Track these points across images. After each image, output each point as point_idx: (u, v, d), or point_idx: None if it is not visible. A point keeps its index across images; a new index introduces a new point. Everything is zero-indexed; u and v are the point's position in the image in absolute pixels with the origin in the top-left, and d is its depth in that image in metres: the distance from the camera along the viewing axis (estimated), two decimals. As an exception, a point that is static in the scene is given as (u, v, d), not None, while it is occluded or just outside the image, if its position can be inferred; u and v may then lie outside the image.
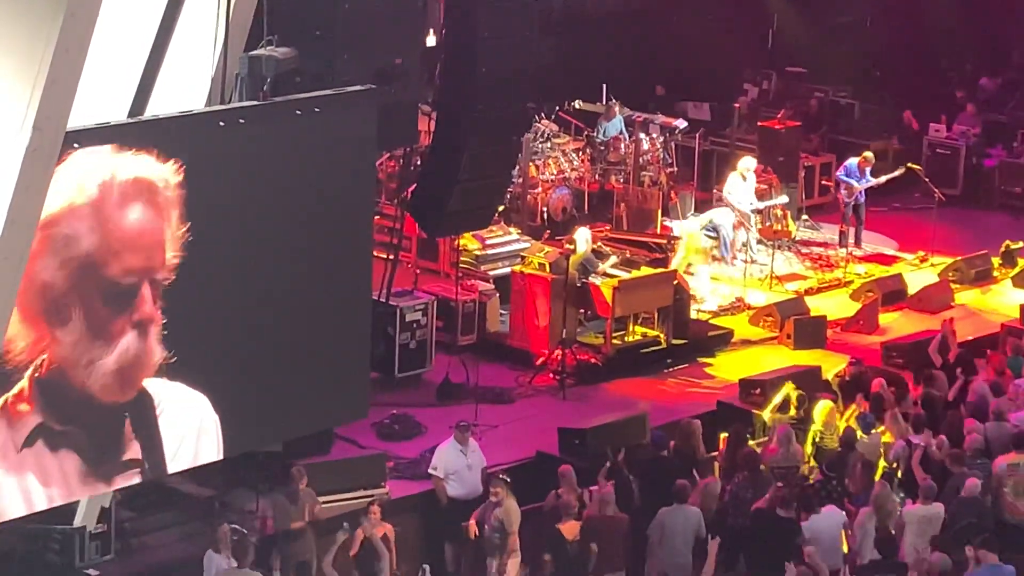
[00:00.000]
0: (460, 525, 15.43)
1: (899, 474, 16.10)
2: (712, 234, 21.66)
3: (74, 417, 11.75)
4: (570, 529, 14.95)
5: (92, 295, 11.56)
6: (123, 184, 11.53)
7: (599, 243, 20.63)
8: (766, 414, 17.23)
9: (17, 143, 10.68)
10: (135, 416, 12.06)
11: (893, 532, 14.99)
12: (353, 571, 14.89)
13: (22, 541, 14.48)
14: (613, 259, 20.16)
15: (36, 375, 11.48)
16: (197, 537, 15.07)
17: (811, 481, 16.01)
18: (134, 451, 12.10)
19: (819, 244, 23.38)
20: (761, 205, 22.52)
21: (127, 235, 11.63)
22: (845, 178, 23.00)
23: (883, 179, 23.22)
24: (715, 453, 16.64)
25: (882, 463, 16.33)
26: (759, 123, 25.01)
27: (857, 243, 23.26)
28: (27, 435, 11.55)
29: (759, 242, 22.45)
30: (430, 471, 15.93)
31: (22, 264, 10.96)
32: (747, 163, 22.50)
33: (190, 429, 12.36)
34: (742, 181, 22.33)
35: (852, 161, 23.14)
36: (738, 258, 22.02)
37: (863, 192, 23.08)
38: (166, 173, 11.75)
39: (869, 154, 23.22)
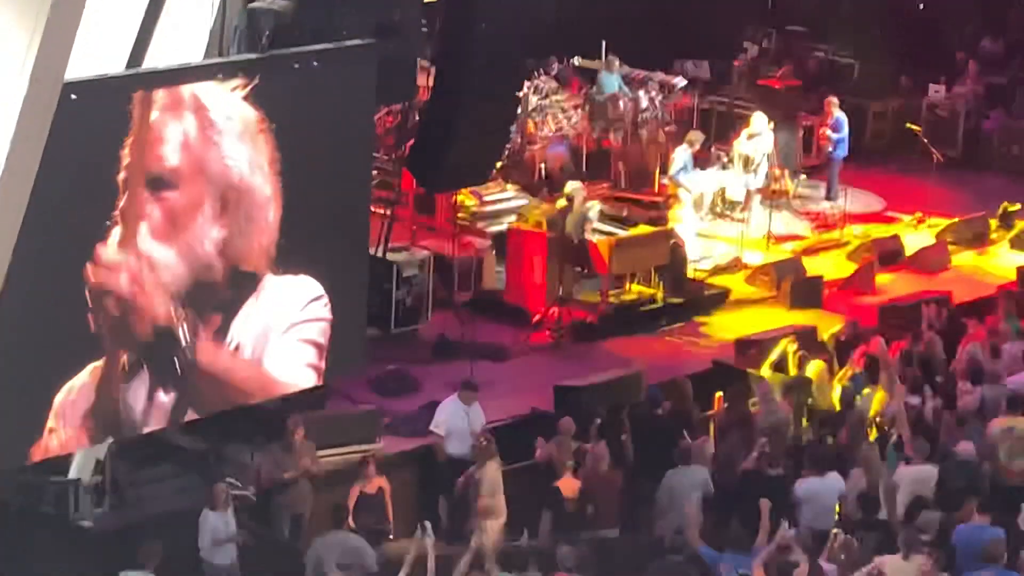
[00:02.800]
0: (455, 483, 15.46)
1: (893, 435, 16.11)
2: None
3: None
4: (567, 486, 14.97)
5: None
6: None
7: (595, 200, 20.60)
8: (763, 372, 17.23)
9: (15, 94, 10.65)
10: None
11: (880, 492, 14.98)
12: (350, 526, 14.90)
13: (17, 493, 14.51)
14: (598, 207, 20.09)
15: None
16: (192, 490, 15.09)
17: (804, 441, 16.02)
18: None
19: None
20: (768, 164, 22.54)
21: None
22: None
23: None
24: (710, 412, 16.64)
25: (875, 424, 16.36)
26: (758, 82, 24.95)
27: (828, 196, 23.08)
28: None
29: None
30: (432, 428, 15.92)
31: (20, 214, 10.95)
32: (759, 119, 22.41)
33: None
34: (755, 138, 22.23)
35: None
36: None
37: (837, 148, 22.84)
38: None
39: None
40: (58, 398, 11.78)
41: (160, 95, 11.73)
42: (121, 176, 11.64)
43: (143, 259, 11.88)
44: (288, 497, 15.06)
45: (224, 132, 12.17)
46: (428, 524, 13.32)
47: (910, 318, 19.05)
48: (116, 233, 11.72)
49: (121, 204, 11.66)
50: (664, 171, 22.46)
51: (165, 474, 15.53)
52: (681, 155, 21.80)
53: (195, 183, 12.05)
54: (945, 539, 13.75)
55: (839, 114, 23.28)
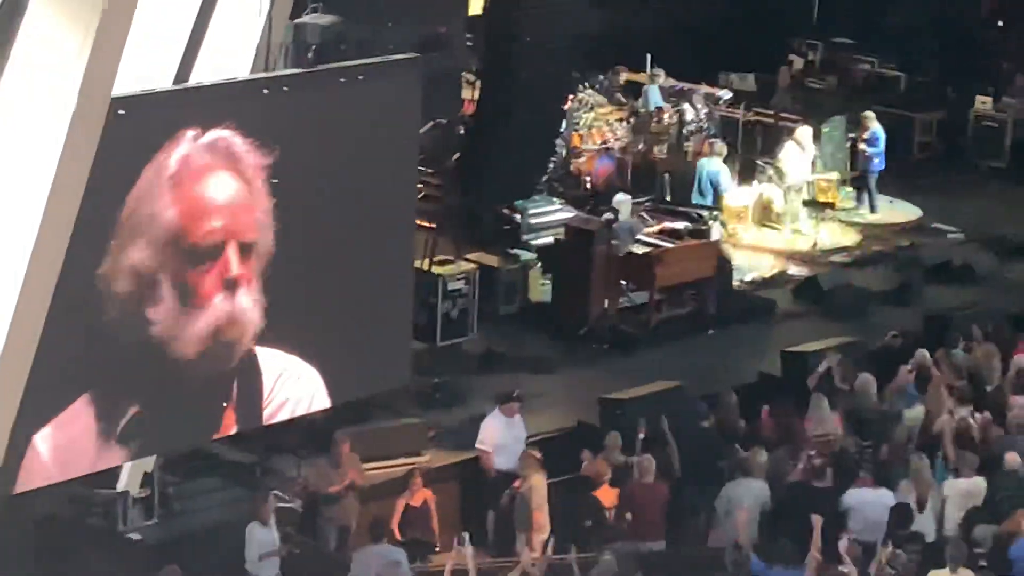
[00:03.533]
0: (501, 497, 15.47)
1: (941, 447, 16.04)
2: None
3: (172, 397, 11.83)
4: (606, 495, 14.96)
5: (179, 263, 11.66)
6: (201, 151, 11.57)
7: (641, 212, 20.61)
8: (809, 384, 17.17)
9: (64, 109, 10.73)
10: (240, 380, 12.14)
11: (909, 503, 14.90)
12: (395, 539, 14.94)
13: (65, 505, 14.59)
14: (649, 225, 20.14)
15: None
16: (239, 503, 15.14)
17: (850, 452, 15.96)
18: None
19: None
20: (813, 177, 22.50)
21: (208, 201, 11.71)
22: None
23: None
24: (756, 425, 16.59)
25: (922, 435, 16.28)
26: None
27: (872, 209, 23.10)
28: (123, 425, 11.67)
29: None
30: (478, 446, 15.93)
31: (68, 230, 11.02)
32: (804, 132, 22.42)
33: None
34: (800, 151, 22.26)
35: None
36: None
37: (873, 160, 22.87)
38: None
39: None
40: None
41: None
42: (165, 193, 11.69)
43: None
44: (334, 510, 15.09)
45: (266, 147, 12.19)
46: (466, 535, 13.33)
47: (959, 330, 18.97)
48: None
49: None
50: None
51: (212, 487, 15.59)
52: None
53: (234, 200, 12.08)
54: (1002, 553, 13.67)
55: (876, 127, 23.21)
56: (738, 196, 22.27)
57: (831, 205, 22.90)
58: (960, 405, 16.47)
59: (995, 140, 25.23)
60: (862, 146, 23.11)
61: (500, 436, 15.81)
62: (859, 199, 23.18)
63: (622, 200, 19.94)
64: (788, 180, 22.39)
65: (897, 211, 23.14)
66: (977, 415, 16.37)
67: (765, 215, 22.32)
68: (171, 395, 12.03)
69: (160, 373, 11.89)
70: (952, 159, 25.23)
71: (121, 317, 11.55)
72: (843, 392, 16.74)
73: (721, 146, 22.33)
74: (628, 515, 14.72)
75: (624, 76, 23.78)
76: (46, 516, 14.39)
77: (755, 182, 22.59)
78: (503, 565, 14.25)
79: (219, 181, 11.85)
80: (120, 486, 14.55)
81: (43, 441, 11.49)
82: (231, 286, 12.00)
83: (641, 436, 15.60)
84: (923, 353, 17.46)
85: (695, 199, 21.85)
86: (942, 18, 27.42)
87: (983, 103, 25.54)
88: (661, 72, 23.86)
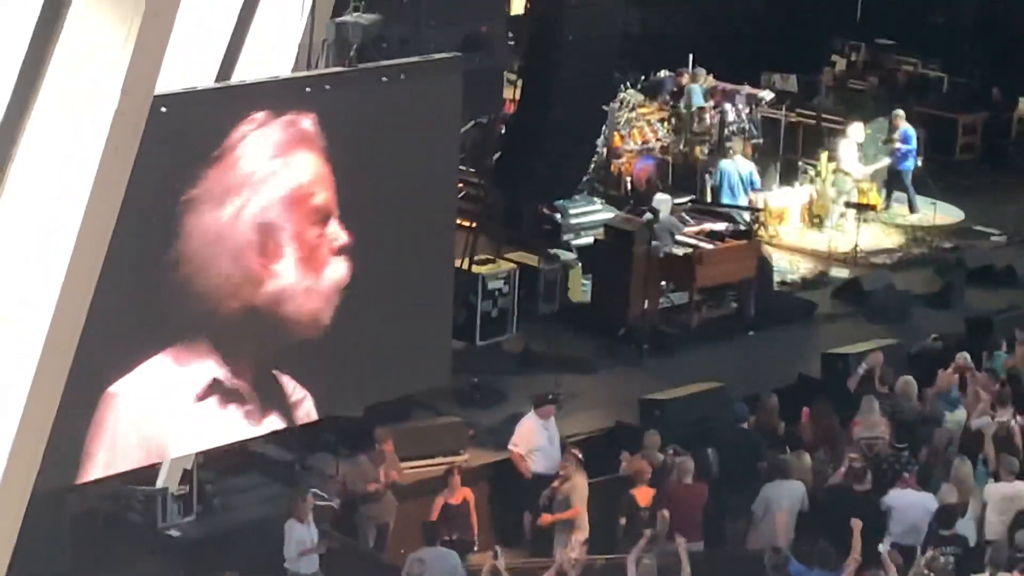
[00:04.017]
0: (539, 497, 15.46)
1: (982, 451, 15.96)
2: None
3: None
4: (643, 495, 14.95)
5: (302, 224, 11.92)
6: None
7: (682, 212, 20.56)
8: (849, 386, 17.11)
9: (106, 106, 10.76)
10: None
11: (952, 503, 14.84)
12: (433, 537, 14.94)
13: (105, 501, 14.65)
14: (689, 225, 20.10)
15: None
16: (278, 500, 15.19)
17: (891, 454, 15.89)
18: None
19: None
20: (870, 170, 22.48)
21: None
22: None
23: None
24: (796, 427, 16.54)
25: (963, 439, 16.21)
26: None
27: (911, 208, 23.09)
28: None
29: (842, 215, 22.44)
30: (510, 447, 15.91)
31: (110, 226, 11.05)
32: (858, 130, 22.37)
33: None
34: (855, 148, 22.28)
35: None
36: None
37: (906, 159, 22.83)
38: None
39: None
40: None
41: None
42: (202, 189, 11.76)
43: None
44: (373, 508, 15.11)
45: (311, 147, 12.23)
46: (500, 549, 13.35)
47: (1000, 333, 18.88)
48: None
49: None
50: (753, 185, 22.41)
51: (251, 484, 15.64)
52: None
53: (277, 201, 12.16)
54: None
55: (906, 127, 23.13)
56: (780, 197, 22.19)
57: (872, 207, 22.83)
58: (1001, 408, 16.39)
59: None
60: (897, 145, 23.05)
61: (536, 438, 15.79)
62: (888, 199, 23.12)
63: (662, 200, 19.89)
64: (850, 180, 22.42)
65: (939, 213, 23.03)
66: (1019, 418, 16.29)
67: (810, 217, 22.34)
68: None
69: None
70: (995, 161, 25.11)
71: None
72: (883, 395, 16.67)
73: (740, 145, 22.29)
74: (665, 513, 14.69)
75: (685, 78, 23.71)
76: (86, 512, 14.47)
77: (796, 183, 22.53)
78: (541, 566, 14.24)
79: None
80: (160, 483, 14.60)
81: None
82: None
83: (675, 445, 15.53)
84: (964, 356, 17.38)
85: (725, 199, 21.81)
86: (985, 18, 27.29)
87: (1027, 105, 25.44)
88: (703, 72, 23.80)
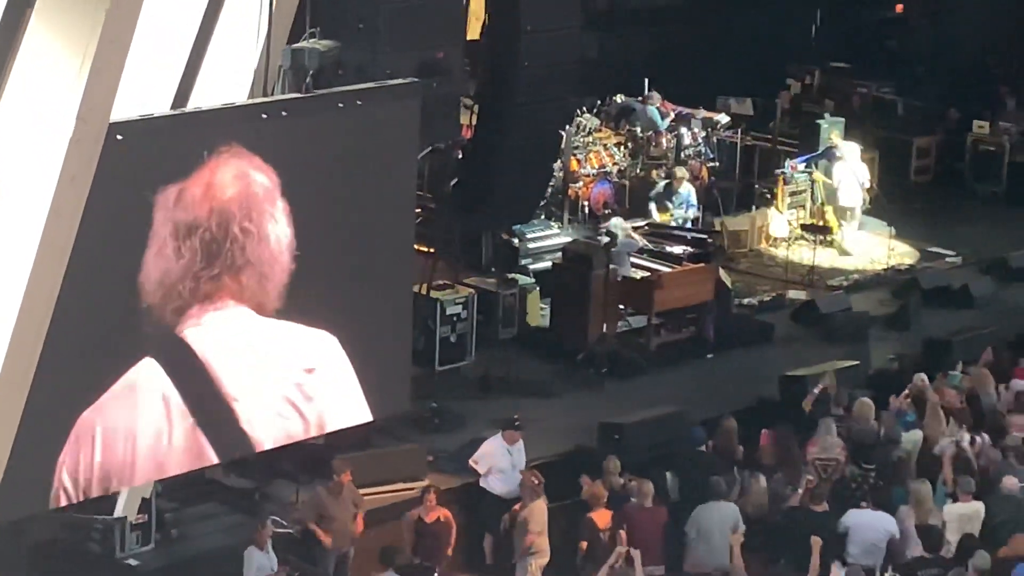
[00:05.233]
0: (500, 520, 15.45)
1: (941, 471, 16.03)
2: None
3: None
4: (602, 518, 14.96)
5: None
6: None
7: (638, 236, 20.60)
8: (806, 408, 17.16)
9: (61, 134, 10.74)
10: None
11: (938, 526, 14.91)
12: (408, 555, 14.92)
13: (63, 530, 14.56)
14: (642, 244, 20.15)
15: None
16: (237, 528, 15.12)
17: (848, 476, 15.94)
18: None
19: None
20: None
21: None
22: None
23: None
24: (755, 449, 16.58)
25: (921, 459, 16.27)
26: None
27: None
28: None
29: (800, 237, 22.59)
30: (470, 463, 15.92)
31: (67, 253, 11.02)
32: (853, 149, 22.89)
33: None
34: (852, 171, 22.72)
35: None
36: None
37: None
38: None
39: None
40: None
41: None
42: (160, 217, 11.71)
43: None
44: (332, 536, 15.05)
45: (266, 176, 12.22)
46: None
47: (957, 354, 18.97)
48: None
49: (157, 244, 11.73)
50: (712, 208, 22.48)
51: (210, 512, 15.57)
52: (657, 187, 22.04)
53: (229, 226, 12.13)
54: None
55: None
56: (737, 219, 22.27)
57: (829, 230, 22.92)
58: (958, 429, 16.47)
59: (992, 164, 25.27)
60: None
61: (498, 459, 15.80)
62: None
63: (617, 224, 19.95)
64: (841, 201, 22.60)
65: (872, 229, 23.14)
66: (976, 439, 16.37)
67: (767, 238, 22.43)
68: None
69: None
70: (949, 183, 25.26)
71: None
72: (839, 416, 16.72)
73: (680, 169, 22.37)
74: (623, 535, 14.71)
75: (658, 101, 23.80)
76: (44, 541, 14.37)
77: (753, 206, 22.64)
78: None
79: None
80: (118, 512, 14.52)
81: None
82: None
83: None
84: (921, 377, 17.46)
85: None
86: (939, 41, 27.48)
87: (980, 127, 25.58)
88: (656, 95, 23.88)
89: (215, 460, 12.75)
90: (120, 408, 11.83)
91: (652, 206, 21.94)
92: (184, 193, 11.73)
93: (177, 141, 11.73)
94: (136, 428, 11.94)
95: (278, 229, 12.27)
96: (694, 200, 22.08)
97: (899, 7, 28.97)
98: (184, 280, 11.87)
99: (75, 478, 11.79)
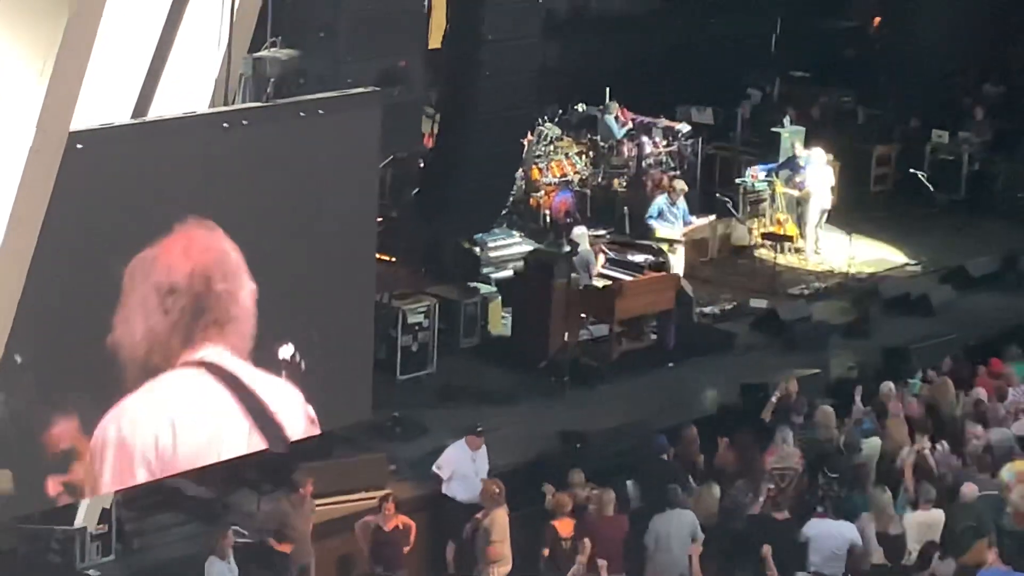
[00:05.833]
0: (462, 528, 15.45)
1: (902, 479, 16.10)
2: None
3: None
4: (565, 526, 14.97)
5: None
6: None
7: (600, 245, 20.65)
8: (766, 416, 17.22)
9: (20, 143, 10.69)
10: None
11: (897, 535, 14.99)
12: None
13: (23, 541, 14.48)
14: (602, 259, 20.19)
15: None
16: (198, 538, 15.07)
17: (811, 484, 16.01)
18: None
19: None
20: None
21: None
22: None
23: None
24: (716, 457, 16.62)
25: (881, 467, 16.35)
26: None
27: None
28: None
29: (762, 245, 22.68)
30: (433, 468, 15.92)
31: (26, 264, 10.97)
32: (819, 155, 23.03)
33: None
34: (822, 175, 22.87)
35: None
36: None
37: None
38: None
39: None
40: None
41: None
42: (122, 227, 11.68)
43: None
44: (293, 547, 15.02)
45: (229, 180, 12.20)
46: None
47: (917, 362, 19.06)
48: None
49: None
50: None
51: (171, 522, 15.52)
52: (657, 202, 21.88)
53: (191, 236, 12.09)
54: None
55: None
56: (697, 228, 22.33)
57: (789, 238, 23.01)
58: (919, 437, 16.55)
59: (952, 173, 25.40)
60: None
61: (461, 465, 15.81)
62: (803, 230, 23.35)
63: (580, 233, 19.99)
64: (812, 207, 22.76)
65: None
66: (936, 446, 16.45)
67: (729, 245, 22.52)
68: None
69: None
70: (909, 192, 25.39)
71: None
72: (797, 425, 16.79)
73: (680, 183, 22.37)
74: (587, 542, 14.72)
75: (616, 110, 23.84)
76: (3, 553, 14.29)
77: (713, 215, 22.71)
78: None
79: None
80: (78, 522, 14.45)
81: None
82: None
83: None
84: (883, 385, 17.54)
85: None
86: (898, 50, 27.61)
87: (939, 136, 25.72)
88: (615, 104, 23.95)
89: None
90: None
91: (653, 223, 21.72)
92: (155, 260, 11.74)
93: (139, 150, 11.68)
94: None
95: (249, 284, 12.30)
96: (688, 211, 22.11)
97: (876, 20, 29.08)
98: (142, 290, 11.84)
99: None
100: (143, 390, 11.86)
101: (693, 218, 22.13)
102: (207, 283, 12.05)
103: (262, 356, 12.57)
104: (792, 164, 23.26)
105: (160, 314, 11.85)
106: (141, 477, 12.02)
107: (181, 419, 12.15)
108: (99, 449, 11.67)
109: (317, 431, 13.17)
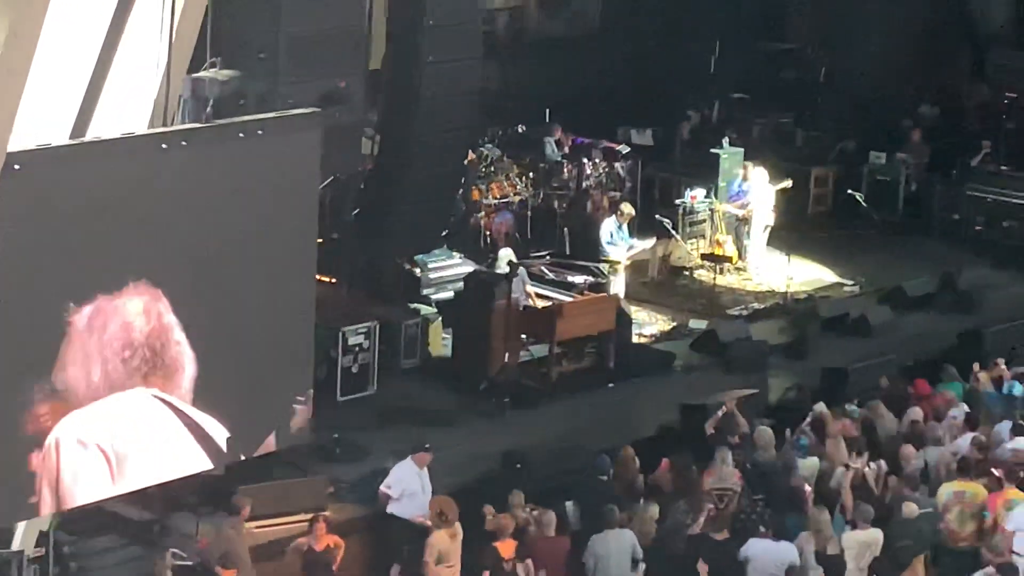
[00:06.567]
0: (407, 548, 15.42)
1: (839, 499, 16.18)
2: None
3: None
4: (506, 548, 14.98)
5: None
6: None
7: (540, 267, 20.70)
8: (706, 435, 17.26)
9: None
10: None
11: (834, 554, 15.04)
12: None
13: (-41, 565, 14.37)
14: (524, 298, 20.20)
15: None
16: (137, 561, 14.99)
17: (746, 505, 16.06)
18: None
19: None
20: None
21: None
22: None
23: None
24: (655, 478, 16.65)
25: (819, 487, 16.42)
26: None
27: None
28: None
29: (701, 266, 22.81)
30: (383, 488, 15.88)
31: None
32: (761, 174, 23.27)
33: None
34: (762, 193, 23.10)
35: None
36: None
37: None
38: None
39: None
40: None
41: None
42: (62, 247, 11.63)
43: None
44: (237, 571, 14.95)
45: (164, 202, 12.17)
46: None
47: (855, 382, 19.16)
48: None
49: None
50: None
51: (110, 545, 15.42)
52: (607, 225, 21.94)
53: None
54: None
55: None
56: (636, 249, 22.42)
57: (728, 259, 23.13)
58: (857, 457, 16.64)
59: (890, 194, 25.59)
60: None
61: (410, 483, 15.79)
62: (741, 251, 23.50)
63: (503, 255, 20.06)
64: (755, 223, 22.90)
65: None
66: (873, 465, 16.54)
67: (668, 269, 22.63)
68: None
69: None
70: (847, 212, 25.56)
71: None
72: (735, 445, 16.84)
73: (627, 206, 22.42)
74: (528, 564, 14.72)
75: (556, 132, 23.90)
76: (-61, 577, 14.17)
77: (653, 236, 22.81)
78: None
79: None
80: (15, 545, 14.33)
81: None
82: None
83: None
84: (819, 406, 17.63)
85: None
86: (835, 73, 27.81)
87: (877, 157, 25.91)
88: (555, 126, 24.01)
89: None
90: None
91: (606, 247, 21.74)
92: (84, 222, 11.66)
93: (77, 171, 11.64)
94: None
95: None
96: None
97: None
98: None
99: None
100: (83, 411, 11.83)
101: (635, 240, 22.21)
102: (143, 311, 12.01)
103: (198, 378, 12.54)
104: (731, 184, 23.40)
105: (97, 339, 11.81)
106: (81, 499, 11.99)
107: (121, 440, 12.12)
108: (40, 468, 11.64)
109: (254, 453, 13.15)
